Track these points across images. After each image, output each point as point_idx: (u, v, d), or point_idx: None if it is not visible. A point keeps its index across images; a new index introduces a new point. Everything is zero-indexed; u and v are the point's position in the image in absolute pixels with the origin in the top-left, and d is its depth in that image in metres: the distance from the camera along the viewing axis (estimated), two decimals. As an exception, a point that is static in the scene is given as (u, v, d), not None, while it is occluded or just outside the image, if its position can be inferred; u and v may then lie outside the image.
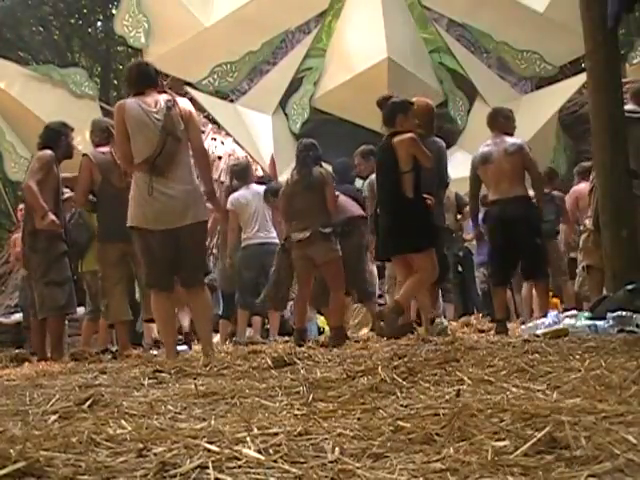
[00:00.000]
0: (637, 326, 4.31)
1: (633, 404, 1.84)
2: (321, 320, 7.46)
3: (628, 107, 5.68)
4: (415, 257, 5.34)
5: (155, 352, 5.76)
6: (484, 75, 12.75)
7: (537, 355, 3.05)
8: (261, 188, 7.20)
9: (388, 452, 1.55)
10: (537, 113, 11.76)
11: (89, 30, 20.87)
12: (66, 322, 6.45)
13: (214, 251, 9.01)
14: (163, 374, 3.41)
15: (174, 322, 4.81)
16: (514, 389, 2.22)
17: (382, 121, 5.56)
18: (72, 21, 20.31)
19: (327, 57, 12.57)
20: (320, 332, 7.44)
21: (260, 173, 10.51)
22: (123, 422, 1.97)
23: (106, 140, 5.84)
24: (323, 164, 6.15)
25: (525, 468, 1.36)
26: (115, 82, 21.51)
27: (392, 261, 5.73)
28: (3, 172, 13.05)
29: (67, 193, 6.52)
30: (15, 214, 10.19)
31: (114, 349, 5.93)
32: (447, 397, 2.14)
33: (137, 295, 6.12)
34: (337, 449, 1.56)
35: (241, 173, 7.51)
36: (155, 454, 1.55)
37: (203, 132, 10.16)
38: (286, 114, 12.69)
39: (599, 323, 4.44)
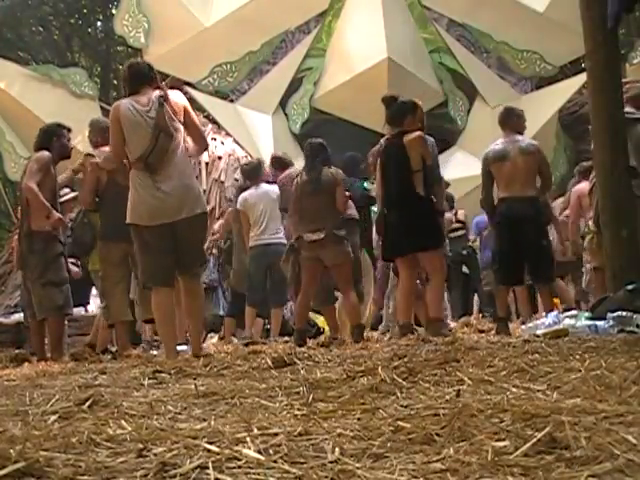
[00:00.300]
0: (637, 326, 4.31)
1: (633, 404, 1.84)
2: (321, 320, 7.46)
3: (625, 109, 5.68)
4: (429, 256, 5.39)
5: (155, 352, 5.77)
6: (484, 75, 12.76)
7: (537, 355, 3.04)
8: (270, 188, 7.19)
9: (388, 452, 1.55)
10: (537, 113, 11.75)
11: (89, 30, 20.88)
12: (66, 322, 6.45)
13: (214, 251, 9.00)
14: (163, 374, 3.41)
15: (174, 322, 4.81)
16: (514, 389, 2.22)
17: (387, 120, 5.55)
18: (72, 21, 20.32)
19: (327, 57, 12.58)
20: (320, 332, 7.43)
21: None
22: (123, 422, 1.97)
23: (108, 140, 5.84)
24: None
25: (525, 468, 1.36)
26: (115, 82, 21.49)
27: (396, 260, 5.67)
28: (3, 172, 13.07)
29: (67, 194, 6.52)
30: (15, 214, 10.20)
31: (114, 349, 5.94)
32: (447, 397, 2.14)
33: (132, 295, 6.10)
34: (337, 449, 1.56)
35: (251, 173, 7.50)
36: (155, 454, 1.55)
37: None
38: (286, 114, 12.70)
39: (599, 323, 4.44)
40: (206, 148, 5.17)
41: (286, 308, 8.49)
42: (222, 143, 12.24)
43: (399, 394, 2.29)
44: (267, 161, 10.85)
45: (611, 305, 4.61)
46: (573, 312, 5.45)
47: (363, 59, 11.63)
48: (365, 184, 7.20)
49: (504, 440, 1.54)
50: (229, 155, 12.08)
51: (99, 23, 21.12)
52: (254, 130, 12.40)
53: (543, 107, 11.95)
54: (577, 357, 2.90)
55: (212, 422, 1.97)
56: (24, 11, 18.34)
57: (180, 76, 12.64)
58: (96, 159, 5.77)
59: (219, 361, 3.78)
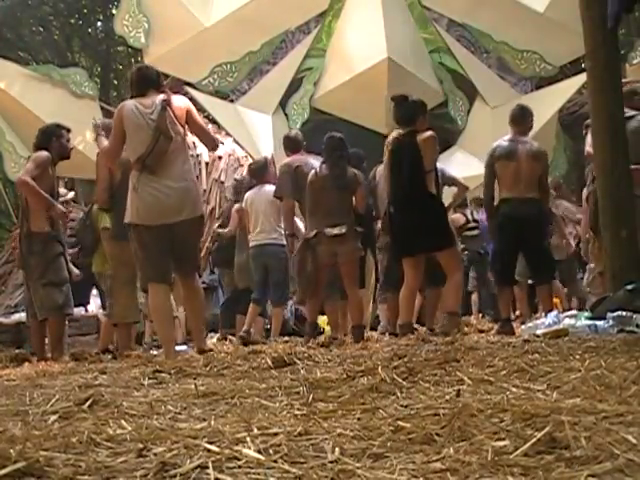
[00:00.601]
0: (637, 326, 4.31)
1: (633, 404, 1.84)
2: (321, 320, 7.46)
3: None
4: (446, 255, 5.41)
5: (155, 352, 5.77)
6: (484, 75, 12.74)
7: (537, 355, 3.04)
8: (271, 186, 7.18)
9: (388, 452, 1.55)
10: (537, 113, 11.67)
11: (89, 30, 20.87)
12: (66, 322, 6.46)
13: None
14: (163, 374, 3.41)
15: (172, 320, 4.93)
16: (514, 389, 2.22)
17: (397, 119, 5.52)
18: (72, 21, 20.31)
19: (327, 57, 12.57)
20: (320, 332, 7.43)
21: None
22: (123, 422, 1.97)
23: None
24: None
25: (525, 468, 1.36)
26: (115, 82, 21.52)
27: (403, 260, 5.63)
28: (3, 172, 13.05)
29: (64, 195, 6.54)
30: (15, 214, 10.20)
31: (112, 348, 5.96)
32: (447, 397, 2.14)
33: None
34: (337, 449, 1.56)
35: (256, 172, 7.51)
36: (155, 454, 1.55)
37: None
38: (286, 114, 12.69)
39: (599, 323, 4.44)
40: (216, 147, 5.20)
41: (286, 308, 8.50)
42: (222, 143, 12.23)
43: (399, 394, 2.29)
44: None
45: (611, 305, 4.61)
46: (573, 312, 5.47)
47: (363, 59, 11.62)
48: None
49: (504, 440, 1.54)
50: (229, 155, 12.08)
51: (99, 23, 21.11)
52: (254, 130, 12.39)
53: (543, 107, 11.92)
54: (577, 357, 2.90)
55: (212, 422, 1.97)
56: (24, 11, 18.33)
57: (180, 76, 12.63)
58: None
59: (219, 361, 3.78)
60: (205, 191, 11.41)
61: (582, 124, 6.22)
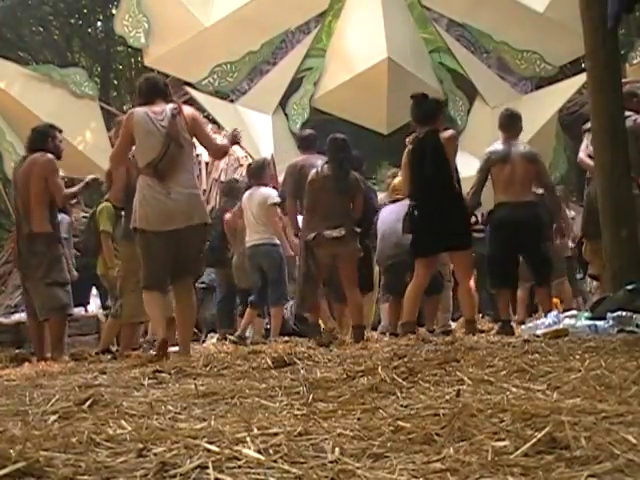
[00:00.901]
0: (637, 326, 4.31)
1: (633, 404, 1.84)
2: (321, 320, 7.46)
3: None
4: (461, 255, 5.42)
5: (155, 352, 5.77)
6: (484, 75, 12.74)
7: (537, 355, 3.05)
8: (264, 191, 7.19)
9: (388, 452, 1.55)
10: (537, 113, 11.75)
11: (89, 30, 20.87)
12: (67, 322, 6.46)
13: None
14: (163, 374, 3.42)
15: (162, 322, 4.96)
16: (514, 389, 2.22)
17: (418, 118, 5.49)
18: (72, 21, 20.31)
19: (327, 57, 12.57)
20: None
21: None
22: (123, 422, 1.97)
23: None
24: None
25: (525, 468, 1.36)
26: (115, 82, 21.51)
27: (419, 259, 5.59)
28: (3, 172, 13.05)
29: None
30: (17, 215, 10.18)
31: (114, 349, 5.97)
32: (447, 397, 2.14)
33: None
34: (337, 449, 1.56)
35: (253, 172, 7.50)
36: (155, 454, 1.55)
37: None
38: (286, 114, 12.69)
39: (599, 323, 4.44)
40: (222, 156, 5.22)
41: (286, 308, 8.49)
42: (228, 153, 12.22)
43: (399, 394, 2.29)
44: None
45: (611, 305, 4.61)
46: (573, 312, 5.47)
47: (363, 59, 11.62)
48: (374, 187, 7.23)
49: (504, 440, 1.54)
50: (229, 155, 12.07)
51: (99, 23, 21.10)
52: (254, 130, 12.38)
53: (543, 107, 11.94)
54: (577, 357, 2.90)
55: (212, 422, 1.97)
56: (24, 11, 18.32)
57: (180, 76, 12.63)
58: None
59: (219, 361, 3.78)
60: (205, 191, 11.41)
61: (582, 124, 6.22)
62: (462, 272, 5.57)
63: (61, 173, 6.23)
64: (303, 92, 12.62)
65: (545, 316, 5.26)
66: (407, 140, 5.70)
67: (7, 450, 1.50)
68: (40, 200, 5.86)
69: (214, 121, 12.32)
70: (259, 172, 7.39)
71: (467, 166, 10.97)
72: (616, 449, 1.40)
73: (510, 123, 6.00)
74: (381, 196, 7.64)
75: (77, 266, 7.18)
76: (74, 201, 6.72)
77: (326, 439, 1.67)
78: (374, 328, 7.34)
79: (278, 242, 7.09)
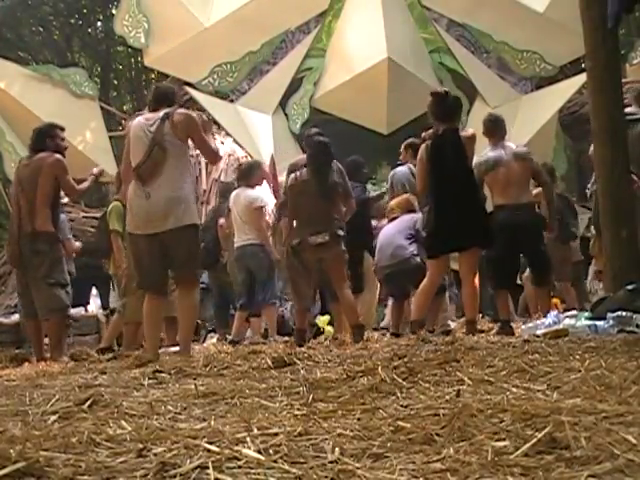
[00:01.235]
0: (637, 326, 4.31)
1: (633, 404, 1.84)
2: (321, 320, 7.46)
3: (630, 109, 5.69)
4: (470, 254, 5.42)
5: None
6: (484, 75, 12.75)
7: (537, 355, 3.04)
8: (251, 193, 7.20)
9: (388, 452, 1.55)
10: (537, 113, 11.76)
11: (89, 30, 20.88)
12: (71, 322, 6.48)
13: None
14: (163, 374, 3.42)
15: (159, 325, 5.05)
16: (514, 389, 2.22)
17: (439, 115, 5.44)
18: (72, 21, 20.31)
19: (327, 57, 12.58)
20: (320, 332, 7.43)
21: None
22: (123, 422, 1.97)
23: None
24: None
25: (525, 468, 1.36)
26: (115, 82, 21.51)
27: (436, 259, 5.54)
28: (3, 172, 13.05)
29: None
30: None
31: (116, 349, 5.99)
32: (447, 397, 2.14)
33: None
34: (337, 449, 1.56)
35: (243, 173, 7.51)
36: (155, 454, 1.55)
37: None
38: (286, 114, 12.70)
39: (599, 323, 4.44)
40: (215, 161, 5.19)
41: (286, 308, 8.49)
42: (222, 143, 12.23)
43: (399, 394, 2.29)
44: (267, 161, 10.92)
45: (611, 305, 4.61)
46: (573, 312, 5.47)
47: (363, 59, 11.63)
48: (374, 188, 7.23)
49: (504, 440, 1.54)
50: (229, 155, 12.07)
51: (99, 23, 21.11)
52: (254, 130, 12.39)
53: (543, 107, 11.95)
54: (577, 357, 2.90)
55: (212, 422, 1.97)
56: (24, 11, 18.33)
57: (180, 76, 12.63)
58: None
59: (219, 361, 3.78)
60: (205, 191, 11.41)
61: (582, 124, 6.24)
62: (467, 271, 5.55)
63: None
64: (303, 92, 12.63)
65: (545, 316, 5.26)
66: (423, 135, 5.62)
67: (7, 450, 1.50)
68: (45, 200, 5.87)
69: (214, 121, 12.32)
70: (248, 173, 7.40)
71: (467, 166, 11.00)
72: (616, 449, 1.40)
73: (496, 128, 6.02)
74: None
75: (77, 266, 7.19)
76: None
77: (326, 439, 1.66)
78: (375, 329, 7.34)
79: (263, 242, 7.11)
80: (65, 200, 6.57)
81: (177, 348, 5.74)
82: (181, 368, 3.53)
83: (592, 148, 5.82)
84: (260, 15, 12.11)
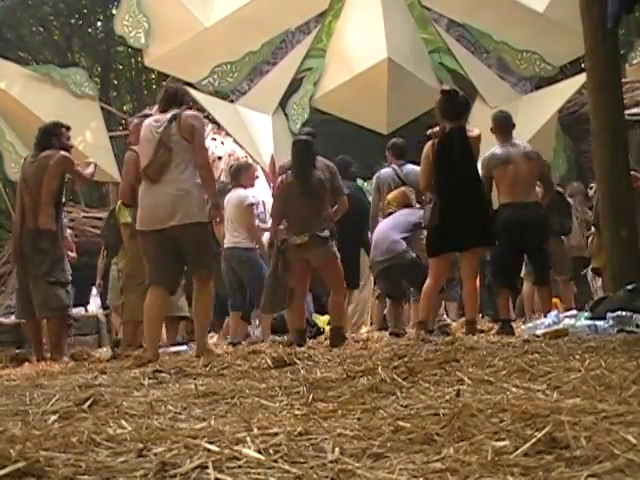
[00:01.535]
0: (637, 326, 4.31)
1: (633, 404, 1.84)
2: (321, 320, 7.46)
3: (636, 110, 5.70)
4: (472, 254, 5.42)
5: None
6: (484, 75, 12.74)
7: (537, 355, 3.05)
8: (243, 193, 7.21)
9: (388, 452, 1.55)
10: (537, 113, 11.75)
11: (89, 30, 20.89)
12: (72, 322, 6.48)
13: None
14: (163, 374, 3.42)
15: (160, 323, 5.09)
16: (514, 389, 2.22)
17: (448, 114, 5.42)
18: (72, 21, 20.33)
19: (327, 57, 12.57)
20: (320, 332, 7.43)
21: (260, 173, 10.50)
22: (123, 422, 1.97)
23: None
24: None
25: (525, 468, 1.36)
26: (115, 82, 21.52)
27: (439, 257, 5.52)
28: (3, 172, 13.06)
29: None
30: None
31: (117, 349, 5.98)
32: (447, 397, 2.14)
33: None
34: (337, 449, 1.56)
35: (232, 173, 7.56)
36: (155, 454, 1.55)
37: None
38: (286, 114, 12.69)
39: (599, 323, 4.44)
40: (203, 168, 5.09)
41: (283, 309, 8.49)
42: (222, 143, 12.24)
43: (399, 394, 2.29)
44: (267, 161, 10.92)
45: (611, 305, 4.61)
46: (573, 312, 5.47)
47: (363, 59, 11.62)
48: (365, 184, 7.23)
49: (504, 440, 1.54)
50: (229, 155, 12.08)
51: (99, 23, 21.13)
52: (254, 130, 12.38)
53: (543, 107, 11.94)
54: (577, 357, 2.90)
55: (212, 422, 1.97)
56: (24, 11, 18.33)
57: (180, 76, 12.62)
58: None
59: (219, 361, 3.78)
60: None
61: (582, 124, 6.25)
62: (468, 271, 5.55)
63: None
64: (303, 92, 12.62)
65: (545, 316, 5.27)
66: (429, 132, 5.58)
67: (7, 450, 1.50)
68: (50, 198, 5.88)
69: (214, 121, 12.32)
70: (236, 174, 7.44)
71: (467, 166, 10.99)
72: (616, 449, 1.40)
73: (508, 124, 6.00)
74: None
75: (77, 266, 7.20)
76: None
77: (326, 439, 1.67)
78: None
79: (251, 245, 7.12)
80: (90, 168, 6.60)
81: (177, 348, 5.76)
82: (181, 368, 3.53)
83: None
84: (260, 15, 12.10)
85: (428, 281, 5.50)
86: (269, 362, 3.42)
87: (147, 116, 6.48)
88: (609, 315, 4.45)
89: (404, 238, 6.22)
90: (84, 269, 7.36)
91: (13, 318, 8.95)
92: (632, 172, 5.25)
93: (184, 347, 6.22)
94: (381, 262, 6.32)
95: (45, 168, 5.88)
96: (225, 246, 7.18)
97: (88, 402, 2.40)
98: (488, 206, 5.58)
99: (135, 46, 13.22)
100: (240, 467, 1.44)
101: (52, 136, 6.02)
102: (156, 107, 5.48)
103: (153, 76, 19.61)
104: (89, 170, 6.31)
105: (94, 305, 9.99)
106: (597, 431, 1.54)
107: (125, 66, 21.47)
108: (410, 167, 6.85)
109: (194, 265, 4.92)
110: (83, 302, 9.55)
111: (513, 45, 12.67)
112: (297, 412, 2.07)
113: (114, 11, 17.02)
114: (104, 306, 9.45)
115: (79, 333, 8.69)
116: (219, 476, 1.38)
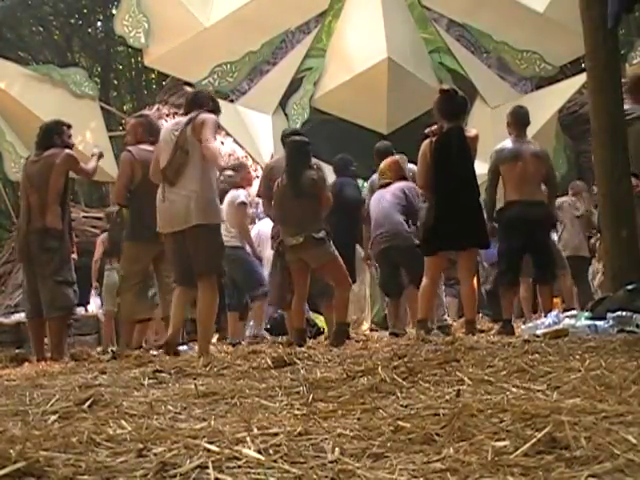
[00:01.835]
0: (637, 326, 4.31)
1: (633, 404, 1.84)
2: (321, 320, 7.46)
3: (626, 107, 5.69)
4: (469, 254, 5.44)
5: (155, 352, 5.77)
6: (484, 75, 12.75)
7: (537, 355, 3.04)
8: (235, 192, 7.23)
9: (388, 452, 1.55)
10: (537, 113, 11.70)
11: (89, 30, 20.89)
12: (72, 322, 6.48)
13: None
14: (163, 374, 3.41)
15: (182, 313, 5.15)
16: (514, 389, 2.22)
17: (446, 113, 5.43)
18: (72, 21, 20.33)
19: (327, 57, 12.57)
20: (320, 332, 7.44)
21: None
22: (123, 422, 1.97)
23: (142, 137, 5.91)
24: (321, 163, 6.11)
25: (525, 468, 1.36)
26: (115, 82, 21.53)
27: (433, 256, 5.54)
28: (3, 172, 13.07)
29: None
30: (16, 213, 10.18)
31: (115, 349, 5.97)
32: (447, 397, 2.14)
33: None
34: (337, 449, 1.56)
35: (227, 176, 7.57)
36: (155, 454, 1.55)
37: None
38: (286, 114, 12.70)
39: (599, 323, 4.44)
40: (215, 161, 5.12)
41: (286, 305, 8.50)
42: (222, 143, 12.24)
43: (399, 394, 2.29)
44: (267, 161, 10.91)
45: (611, 305, 4.61)
46: (573, 312, 5.47)
47: (363, 59, 11.63)
48: (364, 184, 7.23)
49: (504, 440, 1.54)
50: (229, 155, 12.07)
51: (99, 23, 21.13)
52: (254, 130, 12.39)
53: (543, 107, 11.93)
54: (577, 357, 2.90)
55: (212, 422, 1.97)
56: (24, 11, 18.33)
57: (180, 76, 12.63)
58: (135, 155, 5.82)
59: (219, 361, 3.78)
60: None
61: (582, 124, 6.26)
62: (466, 271, 5.56)
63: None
64: (303, 92, 12.63)
65: (545, 316, 5.27)
66: (427, 130, 5.57)
67: (7, 450, 1.50)
68: (56, 196, 5.88)
69: (214, 121, 12.31)
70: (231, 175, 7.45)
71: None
72: (616, 449, 1.40)
73: (524, 120, 5.99)
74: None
75: (77, 266, 7.19)
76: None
77: (326, 439, 1.66)
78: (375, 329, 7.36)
79: (239, 244, 7.13)
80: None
81: (181, 348, 5.75)
82: (181, 368, 3.53)
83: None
84: (260, 15, 12.10)
85: (425, 280, 5.51)
86: (269, 362, 3.41)
87: (144, 116, 6.49)
88: (609, 315, 4.45)
89: (405, 218, 6.28)
90: (84, 269, 7.36)
91: (13, 318, 8.97)
92: (632, 178, 5.24)
93: (184, 347, 6.22)
94: (382, 242, 6.34)
95: (51, 167, 5.88)
96: None
97: (88, 402, 2.40)
98: (482, 208, 5.58)
99: (135, 46, 13.22)
100: (240, 467, 1.44)
101: (54, 134, 6.02)
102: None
103: (153, 76, 19.63)
104: (92, 164, 6.31)
105: (94, 305, 9.98)
106: (597, 431, 1.54)
107: (125, 66, 21.48)
108: (408, 166, 6.87)
109: (200, 267, 4.94)
110: (83, 302, 9.54)
111: (513, 45, 12.67)
112: (297, 412, 2.07)
113: (114, 11, 17.02)
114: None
115: (79, 333, 8.69)
116: (219, 476, 1.38)
